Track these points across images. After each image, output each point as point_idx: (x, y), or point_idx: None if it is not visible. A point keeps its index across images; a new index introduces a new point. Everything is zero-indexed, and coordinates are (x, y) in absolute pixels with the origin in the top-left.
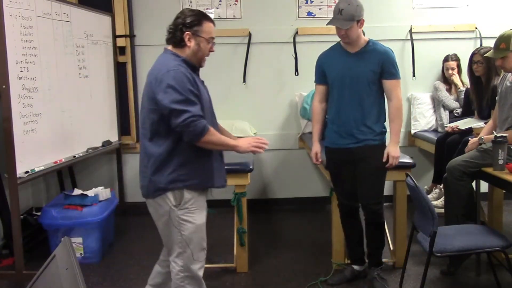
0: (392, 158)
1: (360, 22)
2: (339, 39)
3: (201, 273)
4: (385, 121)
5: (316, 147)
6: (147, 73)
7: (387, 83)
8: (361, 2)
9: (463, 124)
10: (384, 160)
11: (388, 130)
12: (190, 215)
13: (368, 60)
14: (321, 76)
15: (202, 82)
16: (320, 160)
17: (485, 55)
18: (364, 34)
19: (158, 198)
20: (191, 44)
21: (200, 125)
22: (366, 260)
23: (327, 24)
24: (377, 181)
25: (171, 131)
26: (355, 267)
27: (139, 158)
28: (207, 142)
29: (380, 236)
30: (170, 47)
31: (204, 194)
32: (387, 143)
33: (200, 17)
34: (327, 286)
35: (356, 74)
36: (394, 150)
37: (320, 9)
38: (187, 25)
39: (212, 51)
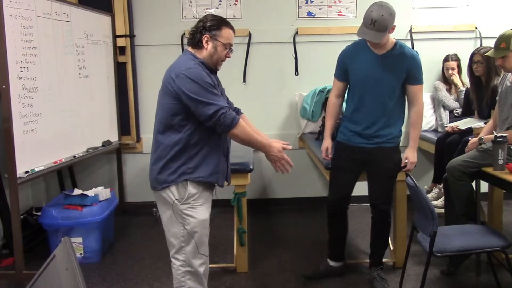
0: (411, 164)
1: (392, 28)
2: (339, 39)
3: (202, 269)
4: (402, 124)
5: (327, 142)
6: (150, 73)
7: (412, 88)
8: (394, 7)
9: (463, 124)
10: (402, 165)
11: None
12: (193, 210)
13: (395, 64)
14: (343, 72)
15: (219, 84)
16: (330, 156)
17: (486, 54)
18: None
19: (163, 191)
20: (208, 46)
21: (229, 117)
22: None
23: (357, 35)
24: (389, 183)
25: (183, 126)
26: (331, 262)
27: (151, 151)
28: (238, 135)
29: (385, 236)
30: (189, 48)
31: (210, 190)
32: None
33: (221, 22)
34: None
35: (382, 78)
36: (412, 156)
37: (320, 9)
38: (207, 28)
39: (229, 57)
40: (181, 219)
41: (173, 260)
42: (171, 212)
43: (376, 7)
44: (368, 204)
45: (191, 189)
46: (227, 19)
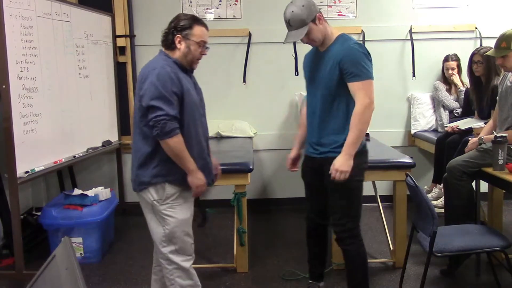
0: (335, 171)
1: (317, 19)
2: None
3: (187, 264)
4: None
5: (292, 153)
6: None
7: (349, 86)
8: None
9: (463, 124)
10: (330, 172)
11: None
12: (172, 210)
13: (328, 60)
14: (305, 78)
15: (195, 84)
16: (289, 167)
17: (486, 53)
18: (364, 34)
19: (142, 192)
20: (182, 46)
21: (170, 126)
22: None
23: (284, 42)
24: (342, 200)
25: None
26: (320, 284)
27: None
28: (170, 146)
29: (352, 272)
30: (164, 49)
31: (189, 190)
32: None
33: (192, 21)
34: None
35: (319, 77)
36: (338, 161)
37: (320, 9)
38: (179, 28)
39: (204, 54)
40: (161, 219)
41: (160, 259)
42: (152, 213)
43: (287, 6)
44: (369, 204)
45: (169, 189)
46: (227, 19)
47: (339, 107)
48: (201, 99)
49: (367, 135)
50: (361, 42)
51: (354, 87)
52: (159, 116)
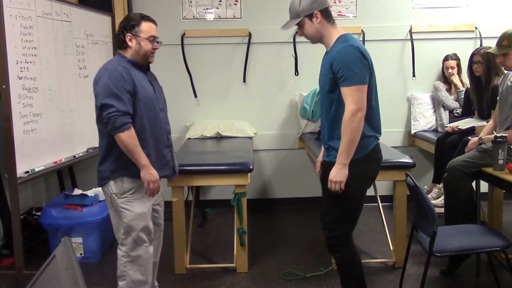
0: (330, 182)
1: (314, 17)
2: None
3: (142, 260)
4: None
5: (319, 157)
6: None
7: (341, 90)
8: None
9: (463, 124)
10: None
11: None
12: (130, 204)
13: (326, 63)
14: None
15: (152, 80)
16: (318, 170)
17: (488, 51)
18: (364, 34)
19: (104, 187)
20: (133, 44)
21: (121, 120)
22: None
23: (281, 28)
24: (333, 206)
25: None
26: None
27: None
28: (122, 140)
29: (345, 280)
30: (119, 50)
31: None
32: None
33: (139, 18)
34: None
35: (320, 80)
36: (332, 172)
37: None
38: (128, 27)
39: (156, 48)
40: (119, 212)
41: (118, 250)
42: (111, 206)
43: None
44: (369, 204)
45: (127, 184)
46: (227, 19)
47: (340, 112)
48: (160, 94)
49: None
50: (361, 42)
51: (343, 92)
52: (111, 112)
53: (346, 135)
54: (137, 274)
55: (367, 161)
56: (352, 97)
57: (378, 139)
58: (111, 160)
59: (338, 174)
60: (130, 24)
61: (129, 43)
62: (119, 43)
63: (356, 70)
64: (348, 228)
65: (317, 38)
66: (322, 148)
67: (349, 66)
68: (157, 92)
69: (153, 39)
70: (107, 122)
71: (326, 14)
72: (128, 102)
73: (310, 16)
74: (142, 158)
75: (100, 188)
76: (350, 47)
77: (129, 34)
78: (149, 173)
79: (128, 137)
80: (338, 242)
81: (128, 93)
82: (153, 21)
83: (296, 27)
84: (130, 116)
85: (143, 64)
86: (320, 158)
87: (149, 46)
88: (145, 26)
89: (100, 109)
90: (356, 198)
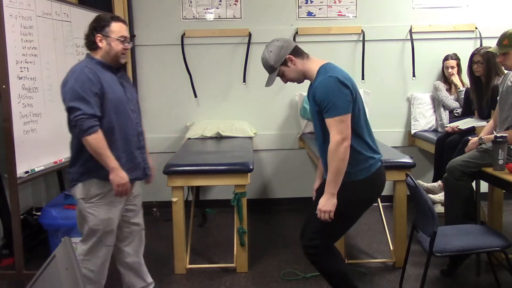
0: (319, 211)
1: (288, 61)
2: (339, 39)
3: (100, 253)
4: (357, 159)
5: (315, 184)
6: (150, 73)
7: (325, 121)
8: (279, 45)
9: (463, 124)
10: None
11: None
12: (95, 209)
13: (310, 95)
14: None
15: (122, 82)
16: (314, 197)
17: (488, 50)
18: (364, 34)
19: (73, 188)
20: (103, 45)
21: (88, 123)
22: None
23: (265, 86)
24: (317, 220)
25: None
26: None
27: None
28: (89, 143)
29: (331, 284)
30: (88, 52)
31: None
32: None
33: (109, 19)
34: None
35: (310, 111)
36: (321, 202)
37: (320, 9)
38: (98, 28)
39: (127, 49)
40: (85, 215)
41: (77, 245)
42: (78, 208)
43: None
44: None
45: (95, 189)
46: (227, 19)
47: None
48: (132, 95)
49: None
50: (361, 42)
51: (327, 123)
52: (78, 115)
53: (332, 165)
54: (90, 275)
55: (369, 184)
56: (336, 127)
57: (381, 161)
58: (81, 163)
59: (327, 204)
60: (100, 24)
61: (99, 44)
62: (89, 44)
63: (337, 101)
64: (329, 240)
65: (301, 78)
66: (317, 175)
67: (330, 98)
68: (128, 93)
69: (123, 39)
70: (74, 125)
71: (297, 53)
72: (96, 105)
73: (285, 63)
74: (110, 161)
75: None
76: (329, 78)
77: (99, 35)
78: (119, 175)
79: (96, 140)
80: (314, 251)
81: (96, 96)
82: (124, 21)
83: (293, 29)
84: (97, 119)
85: (113, 65)
86: (317, 185)
87: (119, 46)
88: (115, 27)
89: (68, 112)
90: (350, 220)
